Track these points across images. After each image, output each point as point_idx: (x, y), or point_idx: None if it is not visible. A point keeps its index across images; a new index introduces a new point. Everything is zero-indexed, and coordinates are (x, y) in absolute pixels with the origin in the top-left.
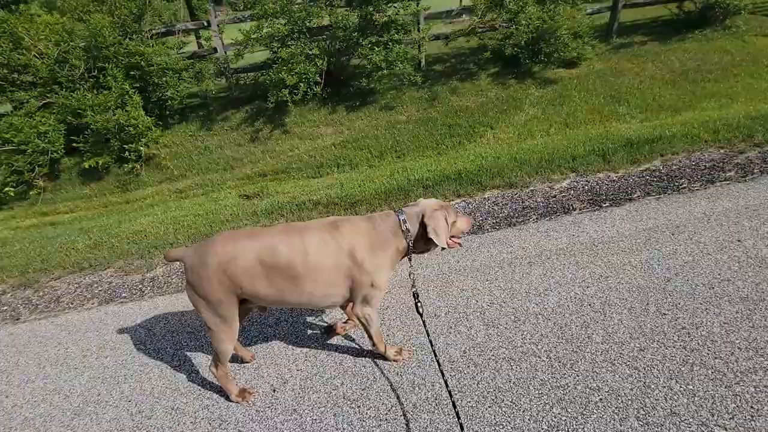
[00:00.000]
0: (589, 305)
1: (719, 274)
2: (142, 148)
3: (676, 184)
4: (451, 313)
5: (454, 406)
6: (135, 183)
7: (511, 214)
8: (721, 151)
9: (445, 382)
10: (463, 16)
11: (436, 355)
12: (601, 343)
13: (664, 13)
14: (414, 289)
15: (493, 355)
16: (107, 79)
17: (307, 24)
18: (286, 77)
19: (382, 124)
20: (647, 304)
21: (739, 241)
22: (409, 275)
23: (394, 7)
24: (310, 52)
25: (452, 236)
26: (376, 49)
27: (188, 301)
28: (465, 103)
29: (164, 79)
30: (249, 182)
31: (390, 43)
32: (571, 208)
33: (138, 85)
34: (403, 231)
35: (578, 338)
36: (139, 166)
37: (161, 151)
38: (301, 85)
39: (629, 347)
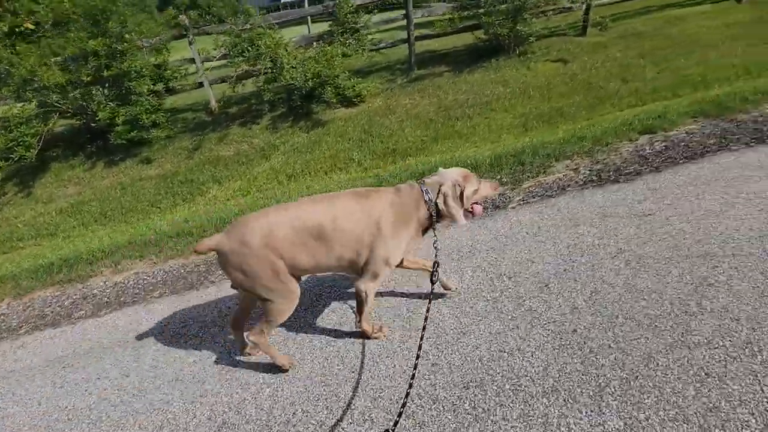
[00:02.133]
0: None
1: None
2: None
3: None
4: None
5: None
6: None
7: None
8: None
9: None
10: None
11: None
12: None
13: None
14: (436, 260)
15: None
16: None
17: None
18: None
19: (127, 181)
20: None
21: None
22: (434, 245)
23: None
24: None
25: (475, 203)
26: (110, 104)
27: None
28: (225, 152)
29: None
30: None
31: (131, 96)
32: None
33: None
34: (425, 202)
35: None
36: None
37: None
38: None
39: None
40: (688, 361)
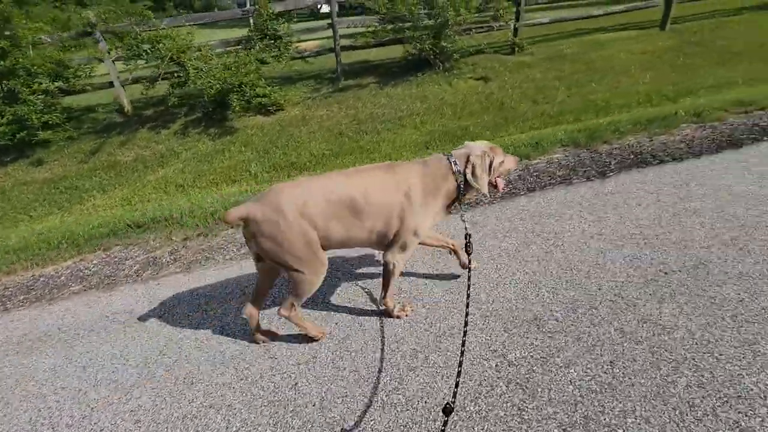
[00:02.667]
0: None
1: None
2: None
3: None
4: None
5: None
6: None
7: None
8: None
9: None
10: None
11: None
12: None
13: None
14: (467, 231)
15: None
16: None
17: None
18: None
19: (8, 184)
20: None
21: None
22: (461, 217)
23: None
24: None
25: (498, 176)
26: None
27: None
28: (124, 158)
29: None
30: None
31: (20, 94)
32: None
33: None
34: (453, 173)
35: None
36: None
37: None
38: None
39: None
40: None
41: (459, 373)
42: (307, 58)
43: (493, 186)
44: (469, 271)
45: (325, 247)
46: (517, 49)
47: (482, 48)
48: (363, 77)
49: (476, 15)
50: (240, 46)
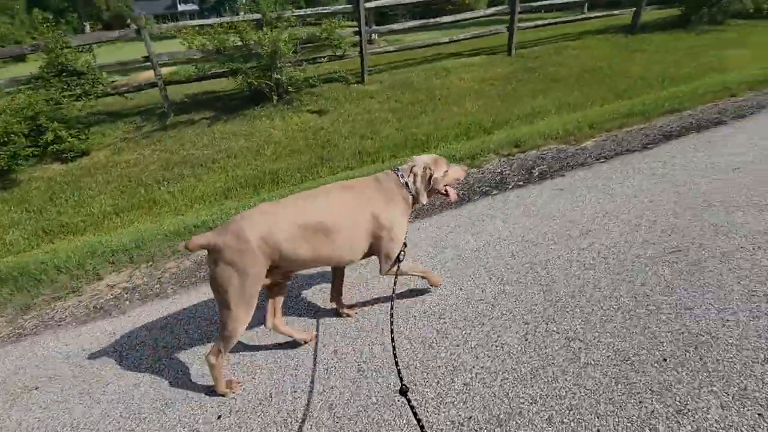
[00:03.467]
0: None
1: None
2: None
3: None
4: None
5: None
6: None
7: None
8: None
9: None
10: None
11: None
12: None
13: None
14: (405, 239)
15: None
16: None
17: None
18: None
19: None
20: None
21: None
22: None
23: None
24: None
25: (447, 185)
26: None
27: None
28: None
29: None
30: None
31: None
32: None
33: None
34: (403, 185)
35: None
36: None
37: None
38: None
39: None
40: None
41: (396, 362)
42: (126, 94)
43: (443, 194)
44: (394, 284)
45: (293, 269)
46: (367, 76)
47: (336, 76)
48: (197, 112)
49: (309, 45)
50: (30, 85)
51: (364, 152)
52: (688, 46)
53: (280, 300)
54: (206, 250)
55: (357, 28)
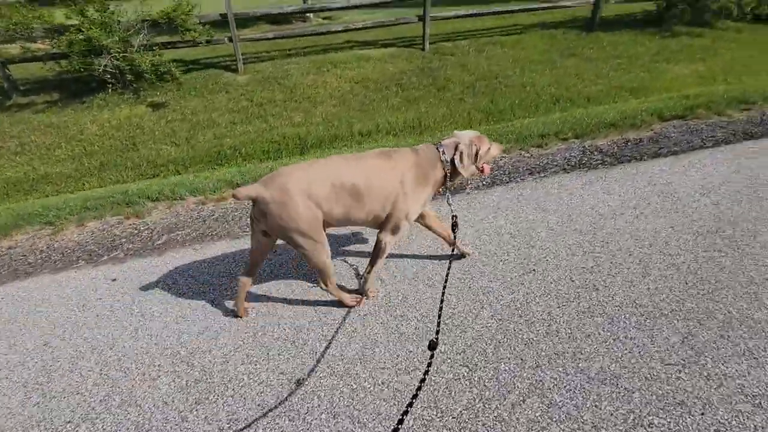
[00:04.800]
0: None
1: None
2: None
3: None
4: None
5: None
6: None
7: None
8: None
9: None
10: None
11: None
12: None
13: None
14: (453, 213)
15: None
16: None
17: None
18: None
19: None
20: None
21: None
22: (447, 201)
23: None
24: None
25: (485, 163)
26: None
27: None
28: None
29: None
30: None
31: None
32: None
33: None
34: (441, 162)
35: None
36: None
37: None
38: None
39: None
40: None
41: (440, 315)
42: None
43: (480, 171)
44: (452, 253)
45: (325, 226)
46: (243, 67)
47: (218, 62)
48: (46, 94)
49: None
50: None
51: (150, 164)
52: (640, 52)
53: (259, 265)
54: (252, 201)
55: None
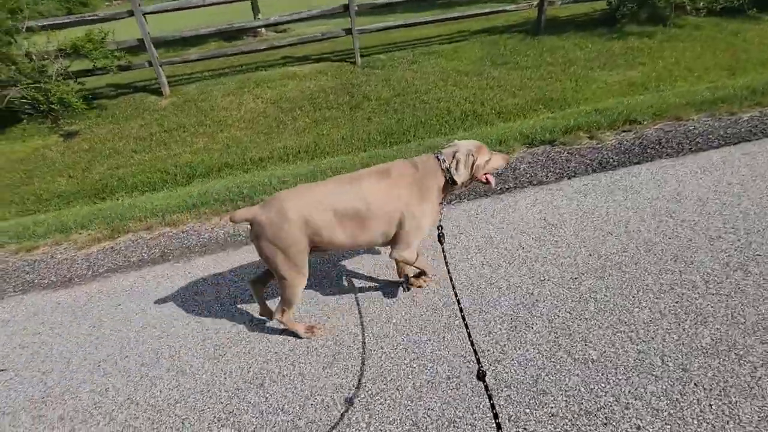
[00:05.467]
0: None
1: None
2: None
3: None
4: None
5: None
6: None
7: None
8: None
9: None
10: None
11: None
12: None
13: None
14: (440, 222)
15: None
16: None
17: None
18: None
19: None
20: None
21: None
22: (441, 209)
23: None
24: None
25: (486, 173)
26: None
27: None
28: None
29: None
30: None
31: None
32: None
33: None
34: (442, 170)
35: None
36: None
37: None
38: None
39: None
40: None
41: (472, 343)
42: None
43: (484, 182)
44: (445, 259)
45: (328, 250)
46: (169, 89)
47: (146, 86)
48: None
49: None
50: None
51: (36, 199)
52: (577, 58)
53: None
54: (249, 224)
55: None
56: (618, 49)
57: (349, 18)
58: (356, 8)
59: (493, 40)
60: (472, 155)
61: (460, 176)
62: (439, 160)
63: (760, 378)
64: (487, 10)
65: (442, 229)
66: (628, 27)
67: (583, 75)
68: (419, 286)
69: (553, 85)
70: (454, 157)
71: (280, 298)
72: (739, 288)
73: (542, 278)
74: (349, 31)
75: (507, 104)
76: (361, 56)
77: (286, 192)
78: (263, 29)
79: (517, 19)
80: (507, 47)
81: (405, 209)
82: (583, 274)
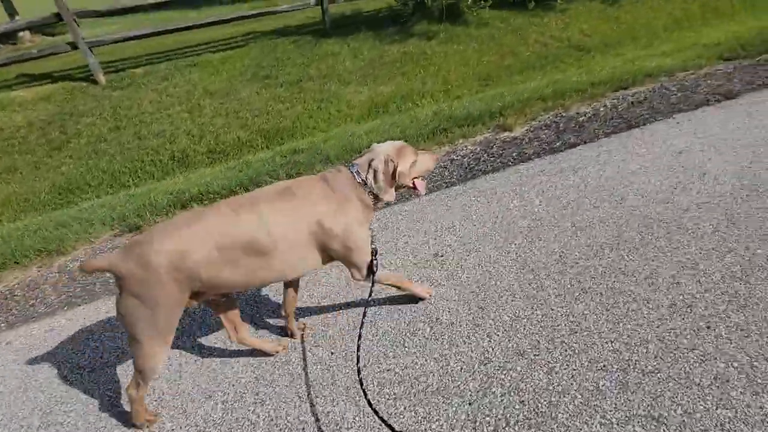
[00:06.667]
0: None
1: None
2: None
3: None
4: None
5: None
6: None
7: None
8: None
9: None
10: None
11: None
12: None
13: None
14: (374, 246)
15: None
16: None
17: None
18: None
19: None
20: None
21: None
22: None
23: None
24: None
25: (416, 178)
26: None
27: None
28: None
29: None
30: None
31: None
32: None
33: None
34: (360, 183)
35: None
36: None
37: None
38: None
39: None
40: None
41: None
42: None
43: (411, 188)
44: (369, 296)
45: (223, 293)
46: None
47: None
48: None
49: None
50: None
51: None
52: (340, 70)
53: (235, 313)
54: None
55: None
56: (392, 56)
57: (69, 28)
58: (74, 17)
59: (275, 44)
60: (392, 161)
61: (382, 190)
62: (352, 172)
63: None
64: (265, 10)
65: (376, 254)
66: (419, 25)
67: (335, 92)
68: (422, 299)
69: (293, 109)
70: (370, 166)
71: (134, 368)
72: None
73: None
74: (74, 46)
75: (228, 139)
76: (111, 72)
77: (156, 228)
78: (22, 33)
79: (316, 16)
80: (285, 53)
81: (320, 227)
82: None
